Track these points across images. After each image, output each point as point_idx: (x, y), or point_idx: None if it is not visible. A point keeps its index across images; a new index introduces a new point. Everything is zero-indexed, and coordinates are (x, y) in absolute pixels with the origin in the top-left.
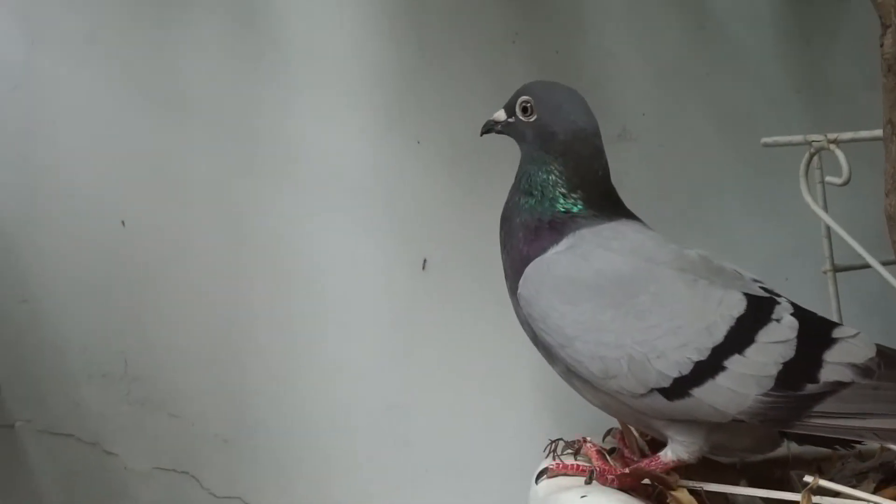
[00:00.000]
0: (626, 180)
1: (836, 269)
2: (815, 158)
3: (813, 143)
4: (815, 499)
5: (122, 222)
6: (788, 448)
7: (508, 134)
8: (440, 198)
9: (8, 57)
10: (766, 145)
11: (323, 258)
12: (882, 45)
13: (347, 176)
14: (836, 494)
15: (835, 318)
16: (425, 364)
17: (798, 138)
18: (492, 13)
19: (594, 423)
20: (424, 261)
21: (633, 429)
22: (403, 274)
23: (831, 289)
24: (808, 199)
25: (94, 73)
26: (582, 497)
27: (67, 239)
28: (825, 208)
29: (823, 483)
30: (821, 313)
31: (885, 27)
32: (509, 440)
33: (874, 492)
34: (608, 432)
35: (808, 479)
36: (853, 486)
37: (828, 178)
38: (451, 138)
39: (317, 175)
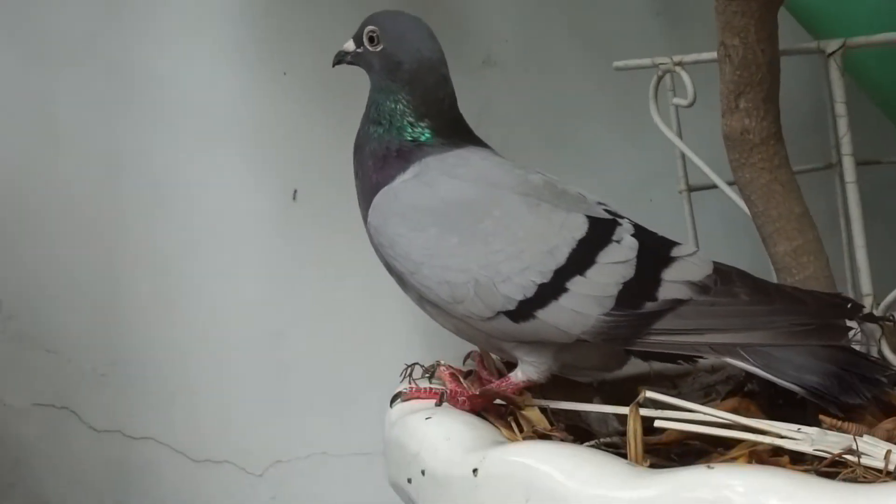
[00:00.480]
0: (491, 106)
1: (691, 189)
2: (669, 80)
3: (660, 66)
4: (644, 411)
5: None
6: (650, 366)
7: (358, 64)
8: (308, 129)
9: None
10: (618, 69)
11: (195, 192)
12: None
13: (216, 110)
14: (663, 406)
15: (690, 238)
16: (300, 293)
17: (646, 61)
18: None
19: (464, 349)
20: (295, 191)
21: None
22: (275, 205)
23: (686, 208)
24: (658, 120)
25: None
26: (426, 418)
27: None
28: (679, 130)
29: (650, 394)
30: (679, 232)
31: None
32: (383, 366)
33: (715, 405)
34: (468, 356)
35: (650, 394)
36: (702, 400)
37: (674, 100)
38: (317, 69)
39: (187, 110)
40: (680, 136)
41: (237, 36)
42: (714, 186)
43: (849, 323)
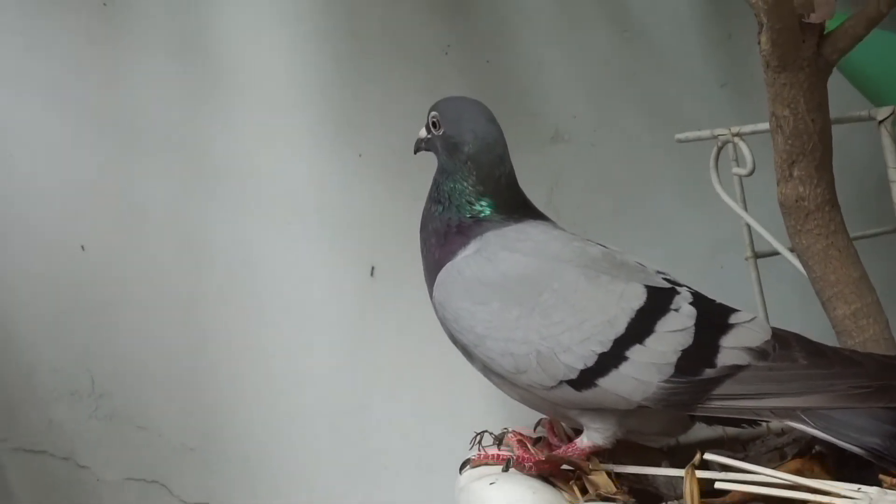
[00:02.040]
0: (561, 180)
1: (757, 256)
2: (731, 150)
3: (719, 137)
4: (708, 473)
5: (82, 247)
6: (724, 431)
7: (429, 149)
8: (384, 208)
9: None
10: (679, 141)
11: (276, 272)
12: (759, 43)
13: (294, 192)
14: (726, 468)
15: (757, 303)
16: (379, 367)
17: (706, 133)
18: (426, 27)
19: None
20: (372, 268)
21: None
22: (353, 282)
23: (753, 275)
24: (719, 189)
25: (48, 107)
26: (490, 483)
27: (31, 266)
28: (743, 198)
29: (710, 456)
30: (748, 298)
31: (760, 26)
32: (462, 436)
33: (780, 467)
34: (538, 423)
35: (708, 456)
36: (770, 462)
37: (735, 170)
38: (392, 150)
39: (265, 193)
40: (744, 203)
41: (314, 119)
42: (777, 253)
43: None
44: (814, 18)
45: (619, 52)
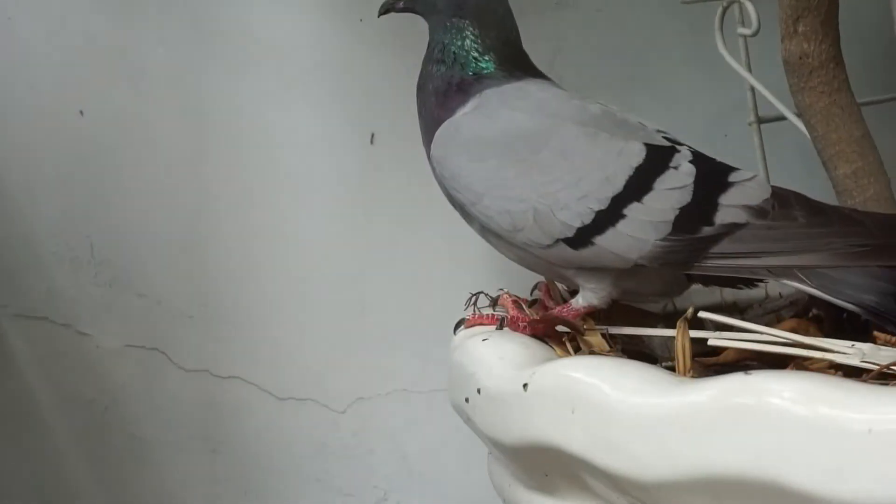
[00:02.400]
0: (565, 46)
1: (761, 121)
2: (737, 12)
3: None
4: (702, 333)
5: (81, 112)
6: (721, 294)
7: (412, 9)
8: (384, 74)
9: None
10: (685, 2)
11: (275, 137)
12: None
13: (295, 55)
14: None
15: (760, 170)
16: (379, 234)
17: None
18: None
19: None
20: (372, 135)
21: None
22: (353, 148)
23: (756, 140)
24: (724, 51)
25: None
26: (483, 340)
27: (31, 129)
28: (748, 61)
29: (703, 314)
30: (751, 165)
31: None
32: (460, 302)
33: (775, 326)
34: (535, 286)
35: (702, 314)
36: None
37: (739, 30)
38: (394, 14)
39: (266, 57)
40: (749, 67)
41: None
42: (782, 118)
43: None
44: None
45: None
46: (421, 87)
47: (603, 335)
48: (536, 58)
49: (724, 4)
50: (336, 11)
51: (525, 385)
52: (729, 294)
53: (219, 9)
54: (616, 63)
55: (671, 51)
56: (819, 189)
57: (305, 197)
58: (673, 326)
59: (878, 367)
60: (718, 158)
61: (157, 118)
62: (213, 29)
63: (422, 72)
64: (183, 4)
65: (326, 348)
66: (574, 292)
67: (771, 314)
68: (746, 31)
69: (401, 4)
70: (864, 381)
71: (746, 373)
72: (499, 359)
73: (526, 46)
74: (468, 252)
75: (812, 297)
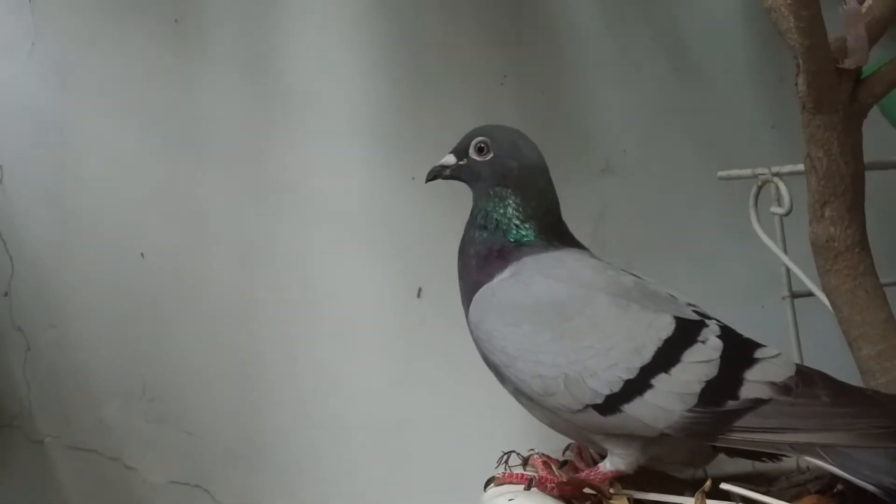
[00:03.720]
0: (608, 212)
1: (794, 296)
2: (773, 190)
3: (759, 176)
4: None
5: (142, 254)
6: (753, 466)
7: (458, 177)
8: (433, 231)
9: (40, 101)
10: (721, 178)
11: (325, 287)
12: (796, 85)
13: (347, 210)
14: (727, 497)
15: (793, 343)
16: (421, 385)
17: (747, 172)
18: (483, 57)
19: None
20: (419, 289)
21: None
22: (400, 302)
23: (789, 314)
24: (757, 227)
25: (118, 117)
26: (509, 500)
27: (93, 270)
28: (783, 237)
29: (726, 486)
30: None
31: (797, 68)
32: (495, 458)
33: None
34: (567, 447)
35: (725, 486)
36: (790, 499)
37: (773, 209)
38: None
39: (319, 209)
40: (784, 243)
41: (370, 141)
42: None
43: None
44: (848, 64)
45: (672, 89)
46: (463, 251)
47: (629, 500)
48: (581, 221)
49: (759, 183)
50: (389, 169)
51: None
52: (760, 463)
53: (276, 161)
54: (657, 230)
55: (711, 219)
56: (853, 363)
57: (352, 345)
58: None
59: None
60: (754, 328)
61: (214, 263)
62: (273, 179)
63: (464, 236)
64: (246, 154)
65: (369, 493)
66: (604, 455)
67: (797, 487)
68: (780, 211)
69: (447, 172)
70: None
71: None
72: None
73: (571, 211)
74: (507, 408)
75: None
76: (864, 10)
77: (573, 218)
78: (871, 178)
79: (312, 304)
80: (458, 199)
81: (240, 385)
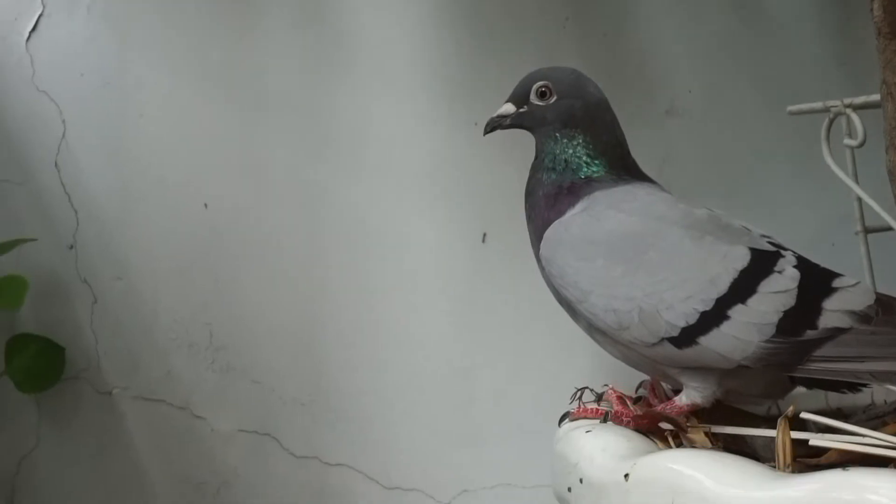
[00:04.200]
0: (673, 154)
1: (868, 231)
2: (844, 124)
3: (831, 109)
4: (805, 435)
5: (205, 205)
6: (827, 401)
7: (520, 125)
8: (496, 175)
9: (100, 55)
10: (791, 113)
11: (390, 236)
12: (871, 10)
13: (409, 157)
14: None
15: (867, 279)
16: (487, 330)
17: (818, 105)
18: None
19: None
20: (484, 235)
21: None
22: (465, 247)
23: (862, 249)
24: (830, 162)
25: (179, 71)
26: (587, 431)
27: (156, 222)
28: (855, 171)
29: (805, 415)
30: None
31: None
32: (567, 400)
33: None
34: (640, 384)
35: (804, 415)
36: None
37: (846, 141)
38: None
39: (382, 159)
40: (856, 177)
41: (431, 88)
42: (889, 229)
43: None
44: None
45: (737, 29)
46: (530, 193)
47: (706, 433)
48: (645, 166)
49: (831, 116)
50: (451, 115)
51: (626, 475)
52: (834, 399)
53: (338, 111)
54: (723, 171)
55: (778, 159)
56: None
57: (418, 292)
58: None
59: None
60: (827, 265)
61: (277, 213)
62: (332, 129)
63: (530, 178)
64: (305, 106)
65: (434, 440)
66: (678, 391)
67: (875, 419)
68: (853, 143)
69: (508, 122)
70: None
71: (845, 469)
72: (601, 450)
73: (635, 154)
74: (575, 350)
75: None
76: None
77: (639, 160)
78: None
79: (377, 252)
80: (521, 142)
81: (305, 333)
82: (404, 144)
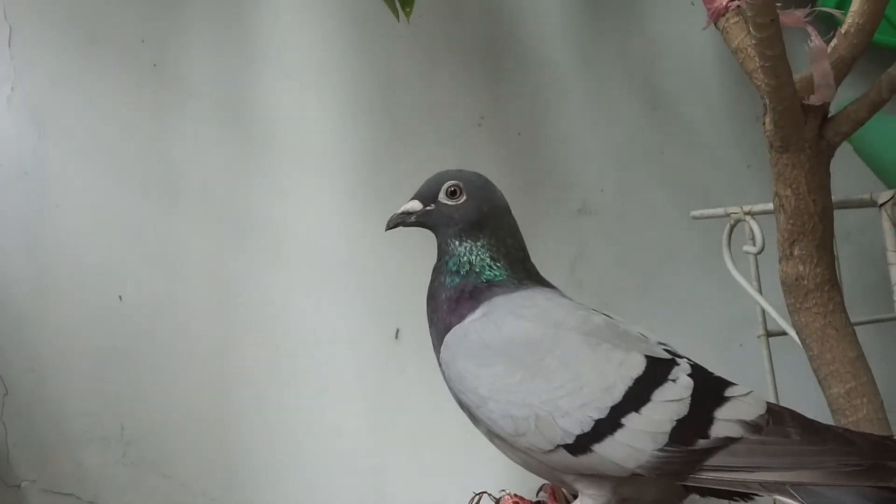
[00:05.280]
0: (585, 252)
1: (769, 335)
2: (746, 229)
3: (732, 215)
4: None
5: (120, 297)
6: None
7: (424, 223)
8: (411, 273)
9: (18, 146)
10: (695, 218)
11: (304, 329)
12: (763, 125)
13: (325, 252)
14: None
15: (768, 380)
16: (399, 426)
17: (720, 211)
18: (460, 99)
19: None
20: (397, 331)
21: None
22: (378, 342)
23: (764, 352)
24: (731, 268)
25: (96, 162)
26: None
27: (70, 313)
28: (757, 276)
29: None
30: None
31: (764, 108)
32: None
33: None
34: (541, 487)
35: None
36: None
37: (745, 248)
38: None
39: (298, 253)
40: (758, 282)
41: (348, 186)
42: (784, 333)
43: None
44: (814, 100)
45: (649, 128)
46: (432, 296)
47: None
48: (559, 262)
49: (732, 222)
50: (366, 211)
51: None
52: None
53: (255, 205)
54: (634, 269)
55: (687, 260)
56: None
57: (331, 387)
58: None
59: None
60: (733, 367)
61: (192, 304)
62: (249, 223)
63: (432, 281)
64: (222, 199)
65: None
66: (577, 496)
67: None
68: (752, 250)
69: (412, 219)
70: None
71: None
72: None
73: (549, 251)
74: (485, 447)
75: None
76: (829, 49)
77: (551, 258)
78: (842, 216)
79: (289, 347)
80: (433, 242)
81: (216, 429)
82: (319, 238)
